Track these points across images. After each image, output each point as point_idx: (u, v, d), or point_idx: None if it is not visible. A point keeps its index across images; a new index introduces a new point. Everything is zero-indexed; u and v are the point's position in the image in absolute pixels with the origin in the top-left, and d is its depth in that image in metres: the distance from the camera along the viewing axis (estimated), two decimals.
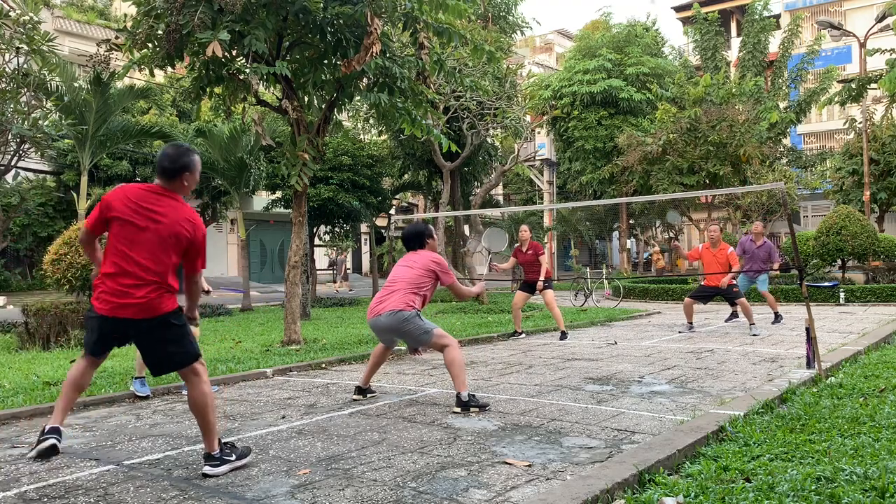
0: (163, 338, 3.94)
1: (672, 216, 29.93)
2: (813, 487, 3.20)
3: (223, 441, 4.04)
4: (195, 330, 5.79)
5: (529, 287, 10.44)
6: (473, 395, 5.52)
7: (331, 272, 34.30)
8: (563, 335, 10.30)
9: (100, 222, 4.04)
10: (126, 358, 8.60)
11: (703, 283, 11.16)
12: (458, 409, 5.41)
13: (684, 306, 11.15)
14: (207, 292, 5.00)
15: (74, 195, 16.76)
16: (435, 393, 6.18)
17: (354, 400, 5.96)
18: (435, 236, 6.21)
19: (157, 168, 4.08)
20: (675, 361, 7.76)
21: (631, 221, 32.87)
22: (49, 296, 17.36)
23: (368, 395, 6.06)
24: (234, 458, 3.95)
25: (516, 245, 10.63)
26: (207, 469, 3.86)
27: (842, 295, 15.84)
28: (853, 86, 21.38)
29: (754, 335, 10.02)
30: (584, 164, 27.34)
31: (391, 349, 6.09)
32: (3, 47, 11.46)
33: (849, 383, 5.73)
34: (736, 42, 32.08)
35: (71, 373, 4.20)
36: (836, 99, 22.17)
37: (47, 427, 4.18)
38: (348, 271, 35.23)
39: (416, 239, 6.05)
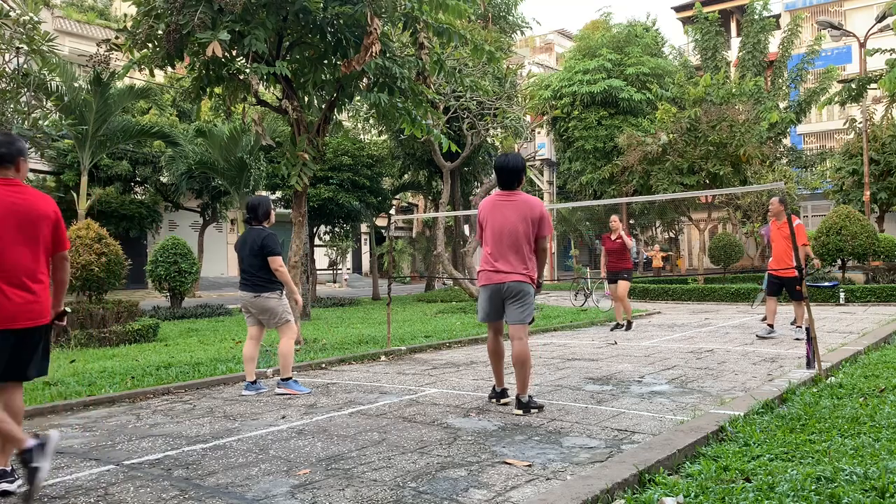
0: None
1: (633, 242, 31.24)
2: (813, 487, 3.20)
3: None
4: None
5: (615, 276, 11.22)
6: (532, 397, 5.27)
7: (331, 272, 34.34)
8: (629, 325, 11.31)
9: None
10: (126, 358, 8.60)
11: (768, 272, 9.70)
12: (520, 412, 5.17)
13: (767, 305, 9.80)
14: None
15: (74, 195, 16.76)
16: (435, 393, 6.18)
17: (502, 404, 5.48)
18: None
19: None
20: (675, 361, 7.76)
21: (631, 221, 32.87)
22: None
23: (503, 399, 5.52)
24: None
25: (604, 233, 11.51)
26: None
27: (842, 295, 15.84)
28: (853, 86, 21.37)
29: (797, 339, 9.18)
30: (584, 164, 27.33)
31: (502, 332, 5.50)
32: (3, 47, 11.45)
33: (849, 383, 5.73)
34: (736, 42, 32.06)
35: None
36: (836, 99, 22.16)
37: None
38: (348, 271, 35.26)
39: (516, 174, 5.30)
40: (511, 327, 5.25)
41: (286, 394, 6.23)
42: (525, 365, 5.17)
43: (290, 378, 6.37)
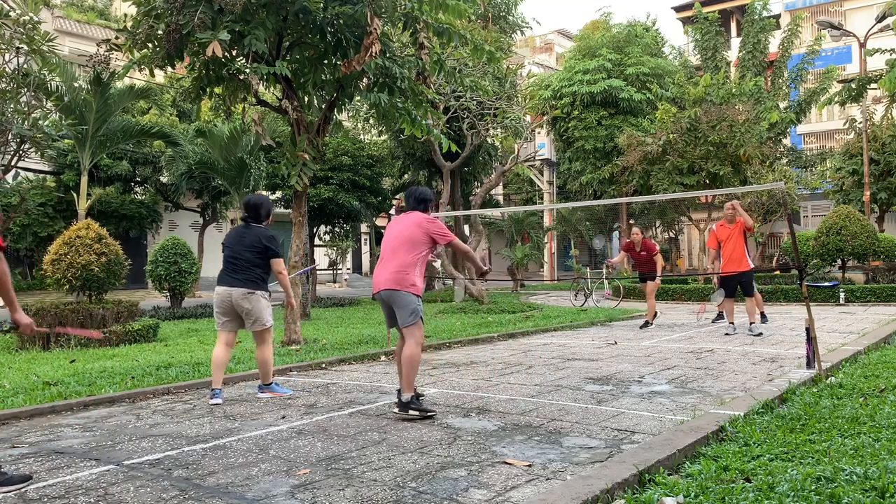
0: None
1: (598, 241, 31.72)
2: (813, 487, 3.20)
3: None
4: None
5: (646, 277, 11.86)
6: (417, 398, 5.22)
7: (331, 272, 34.34)
8: (647, 323, 11.71)
9: None
10: (126, 358, 8.60)
11: (722, 275, 10.33)
12: (397, 411, 5.15)
13: (725, 306, 10.63)
14: None
15: (74, 195, 16.76)
16: (435, 393, 6.18)
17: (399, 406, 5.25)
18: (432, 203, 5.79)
19: None
20: (675, 361, 7.76)
21: (631, 221, 32.87)
22: (49, 296, 17.36)
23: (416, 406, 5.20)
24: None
25: (627, 241, 12.00)
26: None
27: (842, 295, 15.84)
28: (853, 86, 21.37)
29: (755, 334, 9.87)
30: (584, 164, 27.33)
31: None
32: (3, 47, 11.45)
33: (849, 383, 5.73)
34: (736, 42, 32.05)
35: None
36: (836, 99, 22.17)
37: None
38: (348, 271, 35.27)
39: (415, 201, 5.63)
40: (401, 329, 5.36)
41: (271, 396, 6.16)
42: (409, 364, 5.15)
43: (272, 383, 6.28)
